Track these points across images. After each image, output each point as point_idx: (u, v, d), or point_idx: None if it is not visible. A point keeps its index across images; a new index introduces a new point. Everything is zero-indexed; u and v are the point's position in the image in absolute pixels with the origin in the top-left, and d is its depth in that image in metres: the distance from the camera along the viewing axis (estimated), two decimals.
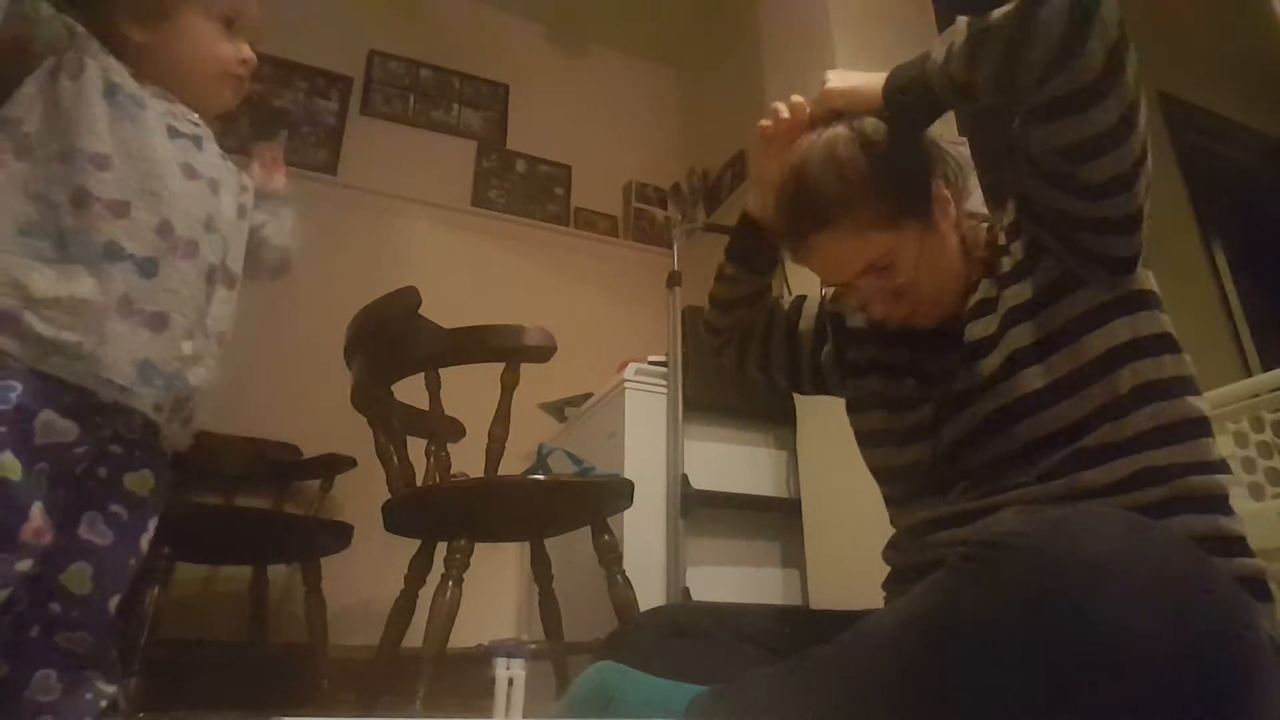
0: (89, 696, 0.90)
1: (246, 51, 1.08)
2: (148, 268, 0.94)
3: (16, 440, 0.83)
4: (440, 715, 1.31)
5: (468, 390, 1.72)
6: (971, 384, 0.86)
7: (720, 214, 3.19)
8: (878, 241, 0.86)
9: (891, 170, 0.85)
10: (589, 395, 2.41)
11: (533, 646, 1.47)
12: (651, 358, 2.20)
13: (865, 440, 1.01)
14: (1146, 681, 0.51)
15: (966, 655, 0.55)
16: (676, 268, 2.30)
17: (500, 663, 1.27)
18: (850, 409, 1.04)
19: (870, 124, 0.87)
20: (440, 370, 1.52)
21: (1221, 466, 0.79)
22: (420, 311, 1.51)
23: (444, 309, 1.54)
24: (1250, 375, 2.25)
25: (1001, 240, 0.91)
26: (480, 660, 1.49)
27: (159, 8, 1.01)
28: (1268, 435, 1.23)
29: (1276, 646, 0.66)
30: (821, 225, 0.87)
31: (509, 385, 1.50)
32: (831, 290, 1.12)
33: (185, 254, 0.99)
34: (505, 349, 1.48)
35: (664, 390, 2.14)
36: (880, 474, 0.99)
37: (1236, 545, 0.76)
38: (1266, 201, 3.31)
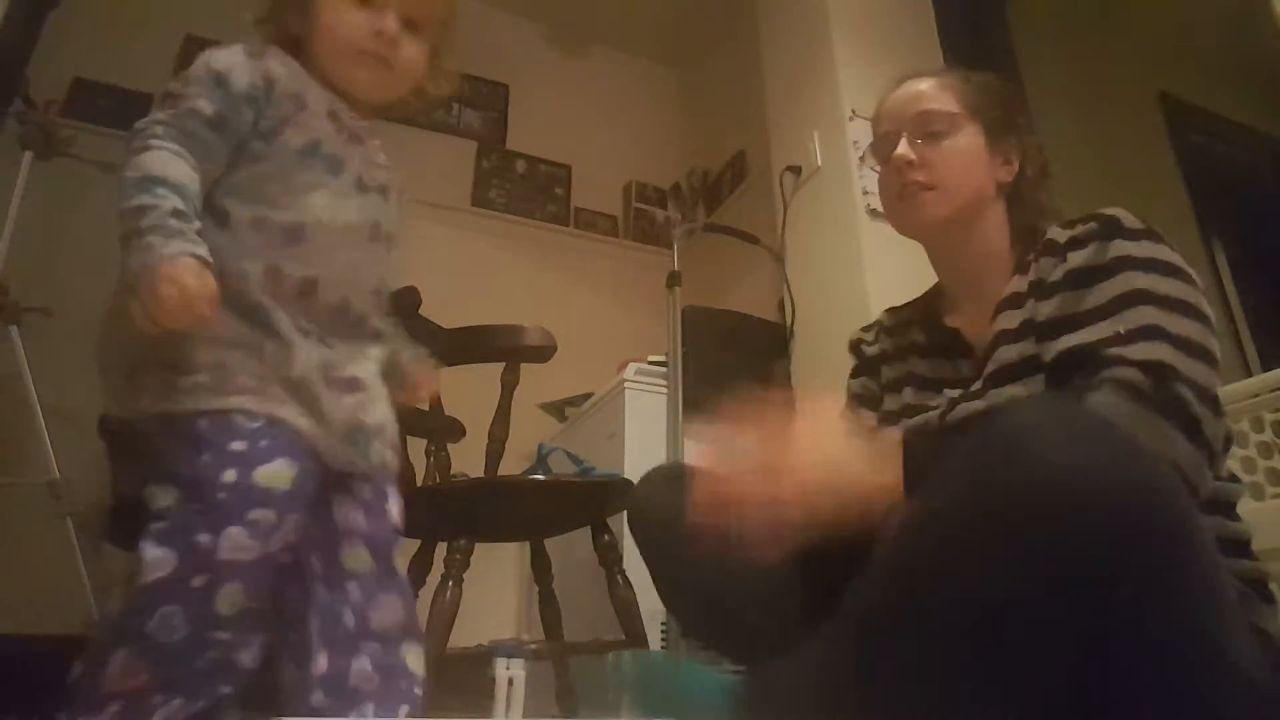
0: (404, 685, 0.87)
1: (383, 22, 0.91)
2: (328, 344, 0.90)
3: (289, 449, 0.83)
4: (440, 715, 1.31)
5: (468, 390, 1.72)
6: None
7: (720, 214, 3.19)
8: (947, 103, 0.95)
9: (996, 96, 0.97)
10: (589, 395, 2.41)
11: (533, 646, 1.48)
12: (651, 358, 2.20)
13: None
14: (1074, 519, 0.51)
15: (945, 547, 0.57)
16: (676, 268, 2.30)
17: (500, 663, 1.27)
18: (880, 423, 1.02)
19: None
20: (440, 370, 1.52)
21: (1231, 479, 0.80)
22: (420, 311, 1.51)
23: (444, 309, 1.55)
24: (1250, 375, 2.24)
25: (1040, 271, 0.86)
26: (480, 660, 1.49)
27: None
28: (1268, 435, 1.23)
29: (1273, 644, 0.66)
30: (932, 75, 1.00)
31: (509, 385, 1.50)
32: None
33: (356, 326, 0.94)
34: (505, 349, 1.48)
35: (664, 390, 2.14)
36: None
37: (1239, 548, 0.76)
38: (1267, 202, 3.31)
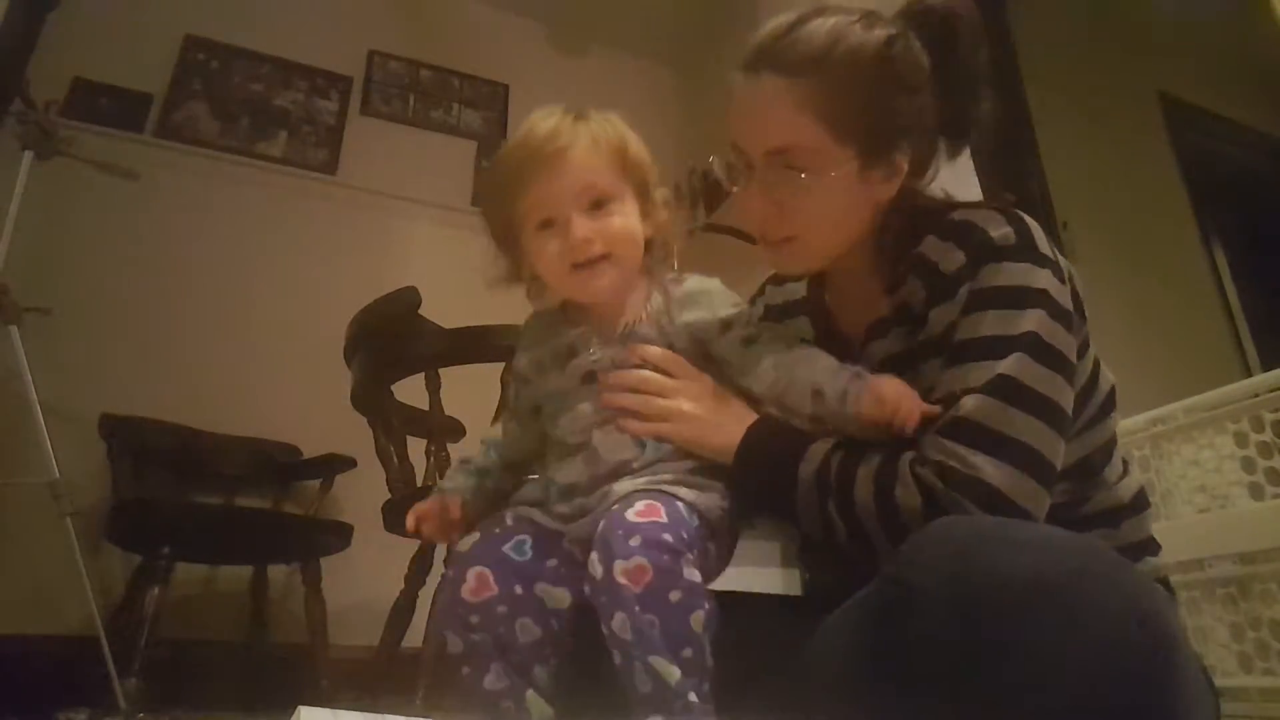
0: None
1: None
2: None
3: None
4: (440, 715, 1.31)
5: (468, 390, 1.72)
6: None
7: (721, 214, 3.19)
8: (810, 132, 0.74)
9: (873, 91, 0.74)
10: None
11: None
12: None
13: None
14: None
15: (897, 693, 0.54)
16: (676, 268, 2.30)
17: None
18: None
19: (913, 49, 0.76)
20: (440, 370, 1.52)
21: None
22: (420, 311, 1.51)
23: (444, 309, 1.55)
24: (1250, 375, 2.24)
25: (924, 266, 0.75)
26: None
27: None
28: (1268, 435, 1.23)
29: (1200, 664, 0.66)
30: (779, 70, 0.75)
31: (509, 385, 1.50)
32: None
33: None
34: (505, 349, 1.48)
35: None
36: None
37: (1135, 550, 0.74)
38: (1267, 202, 3.31)
